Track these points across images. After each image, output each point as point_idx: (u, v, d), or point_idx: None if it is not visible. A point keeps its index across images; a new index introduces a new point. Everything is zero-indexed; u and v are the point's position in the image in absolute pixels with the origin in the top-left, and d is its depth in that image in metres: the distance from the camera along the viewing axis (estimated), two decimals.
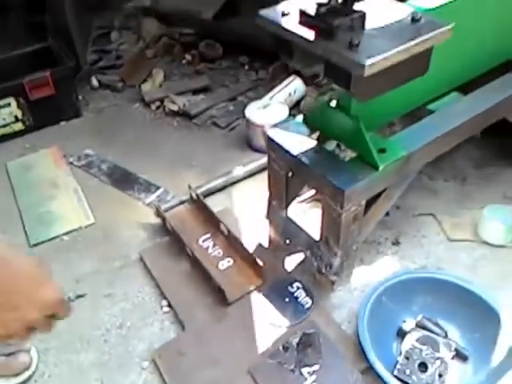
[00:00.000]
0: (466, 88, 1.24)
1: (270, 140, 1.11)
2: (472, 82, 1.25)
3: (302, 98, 1.81)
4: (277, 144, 1.09)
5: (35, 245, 1.33)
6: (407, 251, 1.28)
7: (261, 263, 1.15)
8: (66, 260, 1.29)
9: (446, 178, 1.49)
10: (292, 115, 1.74)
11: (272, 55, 1.87)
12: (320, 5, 0.85)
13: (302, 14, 0.86)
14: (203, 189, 1.44)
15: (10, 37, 2.03)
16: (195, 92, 1.92)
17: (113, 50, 2.18)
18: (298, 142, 1.08)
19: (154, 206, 1.41)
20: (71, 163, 1.62)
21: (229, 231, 1.25)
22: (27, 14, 2.20)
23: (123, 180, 1.56)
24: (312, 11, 0.85)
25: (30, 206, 1.45)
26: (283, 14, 0.89)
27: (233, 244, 1.25)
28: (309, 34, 0.84)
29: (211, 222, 1.31)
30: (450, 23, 0.84)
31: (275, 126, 1.49)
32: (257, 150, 1.63)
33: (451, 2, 1.01)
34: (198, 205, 1.37)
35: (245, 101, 1.87)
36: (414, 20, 0.85)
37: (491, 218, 1.28)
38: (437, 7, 0.99)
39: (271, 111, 1.62)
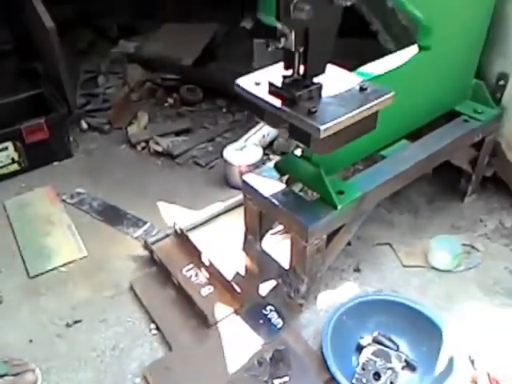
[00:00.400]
0: (414, 135, 1.45)
1: (245, 183, 1.29)
2: (420, 130, 1.46)
3: (275, 139, 2.00)
4: (251, 187, 1.27)
5: (34, 276, 1.47)
6: (367, 277, 1.46)
7: (238, 290, 1.32)
8: (64, 289, 1.42)
9: (401, 212, 1.69)
10: (266, 154, 1.94)
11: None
12: (285, 77, 1.05)
13: (271, 84, 1.05)
14: (186, 224, 1.61)
15: (4, 83, 2.19)
16: (177, 133, 2.10)
17: (100, 93, 2.36)
18: (270, 186, 1.26)
19: (142, 240, 1.57)
20: (64, 201, 1.77)
21: (210, 262, 1.42)
22: (20, 61, 2.37)
23: (113, 216, 1.72)
24: (279, 83, 1.04)
25: (28, 241, 1.59)
26: (256, 84, 1.08)
27: (213, 273, 1.41)
28: (276, 102, 1.03)
29: (194, 253, 1.47)
30: (391, 92, 1.04)
31: (250, 170, 1.69)
32: (234, 187, 1.81)
33: (395, 69, 1.23)
34: (182, 238, 1.53)
35: (223, 141, 2.06)
36: (362, 89, 1.05)
37: (439, 247, 1.47)
38: (383, 74, 1.20)
39: (247, 153, 1.81)
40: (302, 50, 0.98)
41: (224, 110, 2.28)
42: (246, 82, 1.10)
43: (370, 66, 1.23)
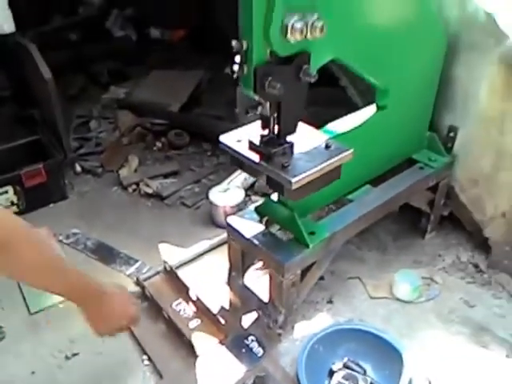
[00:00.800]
0: (377, 180, 1.64)
1: (229, 225, 1.46)
2: (382, 176, 1.66)
3: (255, 181, 2.18)
4: (234, 229, 1.44)
5: (35, 313, 1.59)
6: (339, 308, 1.62)
7: (223, 322, 1.46)
8: (62, 324, 1.55)
9: (369, 248, 1.87)
10: (247, 195, 2.11)
11: None
12: (262, 136, 1.23)
13: (250, 142, 1.23)
14: (175, 261, 1.75)
15: (2, 129, 2.34)
16: (166, 176, 2.27)
17: (92, 137, 2.53)
18: (250, 227, 1.43)
19: (134, 277, 1.71)
20: (61, 241, 1.90)
21: (197, 296, 1.56)
22: (17, 107, 2.54)
23: (106, 255, 1.86)
24: (257, 141, 1.23)
25: None
26: (237, 141, 1.27)
27: (200, 307, 1.55)
28: (255, 157, 1.21)
29: (182, 289, 1.62)
30: (351, 149, 1.23)
31: (233, 210, 1.86)
32: (219, 226, 1.97)
33: (356, 128, 1.43)
34: (171, 275, 1.68)
35: (208, 183, 2.23)
36: (327, 146, 1.24)
37: (401, 280, 1.65)
38: (346, 132, 1.40)
39: (230, 194, 1.98)
40: (275, 115, 1.17)
41: (209, 153, 2.46)
42: (229, 139, 1.28)
43: (333, 124, 1.43)
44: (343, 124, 1.44)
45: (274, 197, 1.43)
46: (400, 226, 1.96)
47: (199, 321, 1.53)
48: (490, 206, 1.69)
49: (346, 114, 1.56)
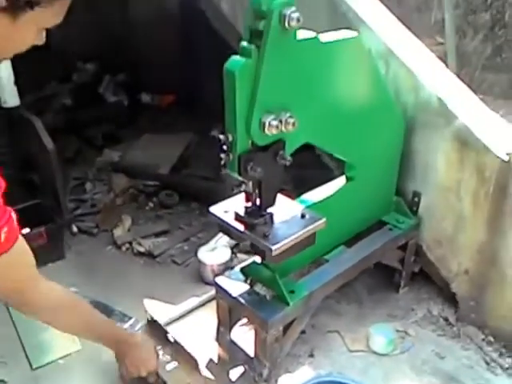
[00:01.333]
0: (351, 241, 1.82)
1: (217, 285, 1.61)
2: (356, 237, 1.84)
3: None
4: (222, 288, 1.59)
5: (37, 368, 1.70)
6: (320, 361, 1.75)
7: (212, 377, 1.59)
8: (62, 380, 1.66)
9: (347, 302, 2.02)
10: (233, 253, 2.27)
11: (217, 201, 2.44)
12: (246, 207, 1.41)
13: (236, 213, 1.41)
14: (166, 318, 1.88)
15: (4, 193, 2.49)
16: (157, 235, 2.43)
17: (88, 199, 2.69)
18: (237, 287, 1.58)
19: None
20: None
21: (174, 339, 1.68)
22: (16, 172, 2.70)
23: (102, 312, 1.94)
24: (242, 212, 1.41)
25: (30, 334, 1.83)
26: (225, 211, 1.45)
27: (189, 360, 1.66)
28: (240, 227, 1.39)
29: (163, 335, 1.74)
30: (324, 218, 1.42)
31: (221, 268, 2.01)
32: (207, 283, 2.11)
33: (329, 197, 1.62)
34: (156, 326, 1.80)
35: (197, 241, 2.39)
36: (303, 216, 1.43)
37: (377, 334, 1.80)
38: (319, 201, 1.59)
39: (217, 253, 2.14)
40: (257, 191, 1.36)
41: (197, 211, 2.64)
42: (218, 210, 1.46)
43: (309, 194, 1.62)
44: (317, 194, 1.63)
45: (258, 259, 1.59)
46: (375, 280, 2.12)
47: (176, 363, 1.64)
48: (454, 263, 1.87)
49: (322, 176, 1.75)
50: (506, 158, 1.55)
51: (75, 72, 3.82)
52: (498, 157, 1.57)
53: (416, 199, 1.90)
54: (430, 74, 1.73)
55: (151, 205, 2.65)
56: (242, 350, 1.65)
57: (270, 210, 1.41)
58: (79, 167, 2.99)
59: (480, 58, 2.70)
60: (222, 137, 1.23)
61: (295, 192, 1.70)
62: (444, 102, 1.68)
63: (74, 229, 2.44)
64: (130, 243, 2.36)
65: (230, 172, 1.29)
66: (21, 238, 1.20)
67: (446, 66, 1.97)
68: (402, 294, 2.05)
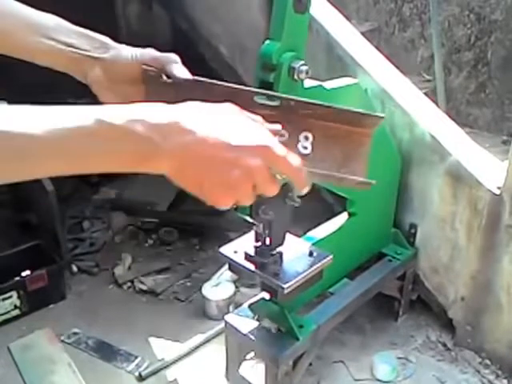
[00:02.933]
0: (353, 273, 1.88)
1: (226, 322, 1.65)
2: (357, 269, 1.90)
3: None
4: (231, 326, 1.63)
5: None
6: None
7: None
8: None
9: (351, 332, 2.07)
10: (236, 286, 2.30)
11: (217, 237, 2.48)
12: (256, 247, 1.47)
13: (246, 253, 1.46)
14: (172, 356, 1.90)
15: (2, 235, 2.50)
16: (159, 272, 2.45)
17: (86, 238, 2.70)
18: (246, 324, 1.62)
19: (136, 373, 1.84)
20: (63, 341, 2.02)
21: None
22: (16, 213, 2.71)
23: (107, 352, 1.98)
24: (251, 251, 1.46)
25: (36, 381, 1.82)
26: (234, 252, 1.50)
27: None
28: (250, 266, 1.44)
29: None
30: (331, 255, 1.48)
31: (225, 303, 2.04)
32: (212, 319, 2.14)
33: (333, 233, 1.69)
34: None
35: (199, 277, 2.42)
36: (311, 254, 1.48)
37: (380, 362, 1.84)
38: (324, 238, 1.66)
39: (221, 288, 2.17)
40: (267, 231, 1.42)
41: (197, 247, 2.66)
42: (227, 250, 1.51)
43: (314, 231, 1.69)
44: (322, 230, 1.70)
45: (266, 296, 1.64)
46: (375, 309, 2.17)
47: None
48: (451, 291, 1.94)
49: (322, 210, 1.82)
50: (498, 192, 1.64)
51: None
52: (489, 190, 1.67)
53: (413, 230, 1.98)
54: (423, 113, 1.84)
55: (151, 242, 2.68)
56: None
57: (279, 249, 1.47)
58: (76, 206, 3.00)
59: (465, 94, 2.85)
60: None
61: (296, 226, 1.76)
62: (437, 139, 1.78)
63: (74, 268, 2.45)
64: (132, 281, 2.37)
65: (242, 215, 1.35)
66: None
67: (436, 101, 2.10)
68: (401, 322, 2.11)
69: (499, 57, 2.87)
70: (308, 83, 1.33)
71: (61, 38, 0.78)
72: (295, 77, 1.21)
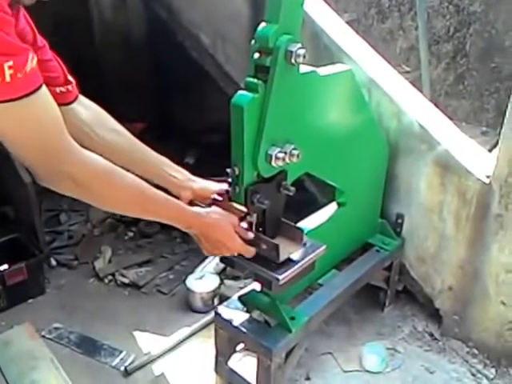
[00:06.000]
0: (341, 265, 1.87)
1: (217, 315, 1.61)
2: (345, 260, 1.89)
3: None
4: (222, 318, 1.59)
5: None
6: (316, 383, 1.78)
7: None
8: None
9: (337, 323, 2.06)
10: (220, 279, 2.26)
11: None
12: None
13: None
14: (156, 351, 1.85)
15: None
16: (140, 264, 2.39)
17: (64, 231, 2.61)
18: (237, 316, 1.59)
19: (122, 367, 1.79)
20: (44, 336, 1.95)
21: None
22: None
23: (90, 347, 1.92)
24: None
25: (17, 378, 1.75)
26: None
27: None
28: (242, 257, 1.40)
29: None
30: (324, 245, 1.45)
31: (210, 295, 2.01)
32: (196, 311, 2.10)
33: (324, 223, 1.67)
34: None
35: (182, 269, 2.37)
36: (304, 244, 1.46)
37: (369, 353, 1.84)
38: (315, 228, 1.63)
39: (206, 281, 2.13)
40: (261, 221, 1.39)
41: (179, 239, 2.61)
42: None
43: (305, 221, 1.66)
44: (312, 221, 1.68)
45: (257, 287, 1.61)
46: (361, 300, 2.16)
47: None
48: (438, 281, 1.95)
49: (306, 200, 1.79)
50: (487, 181, 1.65)
51: None
52: (478, 179, 1.67)
53: (399, 220, 1.98)
54: (411, 102, 1.83)
55: (131, 234, 2.61)
56: (243, 378, 1.65)
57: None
58: (52, 198, 2.89)
59: (443, 85, 2.87)
60: (229, 170, 1.25)
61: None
62: (425, 128, 1.78)
63: (53, 262, 2.37)
64: (113, 275, 2.31)
65: (236, 203, 1.31)
66: (44, 89, 0.93)
67: (421, 91, 2.10)
68: (387, 312, 2.11)
69: (478, 48, 2.91)
70: (302, 68, 1.30)
71: (171, 172, 1.46)
72: (292, 61, 1.18)
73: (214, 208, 1.32)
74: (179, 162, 2.97)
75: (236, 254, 1.34)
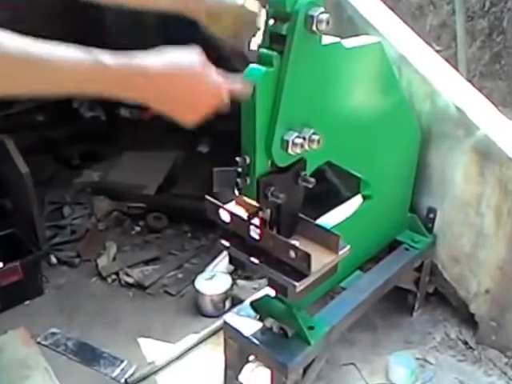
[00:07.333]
0: (366, 265, 1.67)
1: (226, 324, 1.43)
2: (370, 259, 1.69)
3: None
4: (232, 327, 1.41)
5: None
6: None
7: None
8: None
9: (360, 330, 1.86)
10: (232, 279, 2.07)
11: (211, 223, 2.25)
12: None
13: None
14: (161, 361, 1.68)
15: None
16: (146, 262, 2.22)
17: (67, 225, 2.46)
18: (248, 325, 1.40)
19: (122, 379, 1.62)
20: (39, 343, 1.79)
21: None
22: None
23: (89, 356, 1.76)
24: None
25: None
26: None
27: None
28: (254, 259, 1.21)
29: None
30: (348, 246, 1.25)
31: (221, 297, 1.83)
32: (206, 316, 1.92)
33: (347, 219, 1.47)
34: None
35: (191, 267, 2.20)
36: None
37: (397, 365, 1.64)
38: (339, 223, 1.43)
39: (217, 281, 1.95)
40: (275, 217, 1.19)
41: (189, 234, 2.44)
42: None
43: (327, 216, 1.46)
44: (334, 216, 1.48)
45: (271, 292, 1.42)
46: (387, 303, 1.96)
47: None
48: (473, 283, 1.74)
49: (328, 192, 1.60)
50: None
51: None
52: None
53: (431, 215, 1.77)
54: (446, 82, 1.61)
55: (138, 229, 2.44)
56: None
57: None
58: (55, 190, 2.74)
59: (478, 65, 2.63)
60: (238, 159, 1.06)
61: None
62: (463, 111, 1.56)
63: (53, 259, 2.21)
64: (117, 274, 2.14)
65: (247, 198, 1.12)
66: None
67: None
68: (416, 317, 1.91)
69: None
70: (325, 40, 1.09)
71: None
72: (313, 28, 0.98)
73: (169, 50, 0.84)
74: (192, 150, 2.77)
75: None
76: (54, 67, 0.71)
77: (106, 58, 0.76)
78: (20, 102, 3.49)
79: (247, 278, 2.06)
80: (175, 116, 0.85)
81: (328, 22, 0.98)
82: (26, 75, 0.70)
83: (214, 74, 0.86)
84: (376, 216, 1.60)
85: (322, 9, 0.98)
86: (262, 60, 1.01)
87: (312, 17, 0.97)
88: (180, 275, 2.17)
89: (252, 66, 1.01)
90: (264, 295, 1.44)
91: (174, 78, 0.81)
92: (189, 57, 0.84)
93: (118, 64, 0.76)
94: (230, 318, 1.44)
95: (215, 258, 2.16)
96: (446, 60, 2.10)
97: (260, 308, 1.44)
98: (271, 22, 1.01)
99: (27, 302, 2.00)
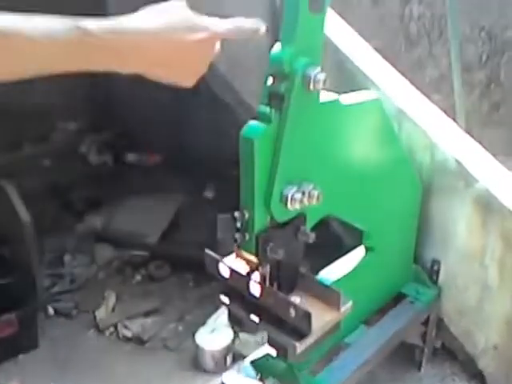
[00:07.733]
0: (370, 319, 1.62)
1: None
2: (375, 313, 1.64)
3: None
4: None
5: None
6: None
7: None
8: None
9: None
10: (235, 333, 2.02)
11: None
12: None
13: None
14: None
15: None
16: (146, 314, 2.18)
17: (66, 274, 2.43)
18: None
19: None
20: None
21: None
22: None
23: None
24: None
25: None
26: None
27: None
28: (254, 317, 1.18)
29: None
30: (350, 301, 1.22)
31: (223, 353, 1.77)
32: (206, 371, 1.86)
33: (349, 273, 1.44)
34: None
35: (192, 320, 2.15)
36: None
37: None
38: (340, 279, 1.41)
39: (218, 335, 1.90)
40: (275, 273, 1.17)
41: (191, 283, 2.40)
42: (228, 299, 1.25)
43: (326, 271, 1.44)
44: (335, 270, 1.45)
45: (272, 352, 1.37)
46: (394, 358, 1.90)
47: None
48: (481, 338, 1.68)
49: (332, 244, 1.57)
50: None
51: (54, 131, 3.62)
52: None
53: (436, 267, 1.73)
54: (445, 134, 1.62)
55: (139, 278, 2.42)
56: None
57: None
58: (57, 236, 2.73)
59: (478, 115, 2.66)
60: (237, 214, 1.05)
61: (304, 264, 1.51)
62: (462, 163, 1.56)
63: (50, 311, 2.18)
64: (115, 326, 2.10)
65: (246, 253, 1.11)
66: None
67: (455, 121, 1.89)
68: (424, 372, 1.84)
69: None
70: (323, 96, 1.11)
71: None
72: (311, 87, 1.00)
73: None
74: (198, 195, 2.77)
75: None
76: (29, 39, 0.61)
77: (89, 23, 0.66)
78: (26, 148, 3.54)
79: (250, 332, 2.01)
80: (172, 80, 0.82)
81: (325, 82, 1.00)
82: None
83: (207, 20, 0.81)
84: (379, 268, 1.57)
85: (319, 68, 0.99)
86: (261, 117, 1.02)
87: (309, 76, 0.99)
88: (180, 327, 2.12)
89: (251, 122, 1.02)
90: (265, 354, 1.39)
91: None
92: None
93: (102, 30, 0.67)
94: (228, 378, 1.39)
95: (218, 308, 2.12)
96: (447, 110, 2.13)
97: (261, 367, 1.40)
98: (270, 80, 1.03)
99: (21, 356, 1.96)
